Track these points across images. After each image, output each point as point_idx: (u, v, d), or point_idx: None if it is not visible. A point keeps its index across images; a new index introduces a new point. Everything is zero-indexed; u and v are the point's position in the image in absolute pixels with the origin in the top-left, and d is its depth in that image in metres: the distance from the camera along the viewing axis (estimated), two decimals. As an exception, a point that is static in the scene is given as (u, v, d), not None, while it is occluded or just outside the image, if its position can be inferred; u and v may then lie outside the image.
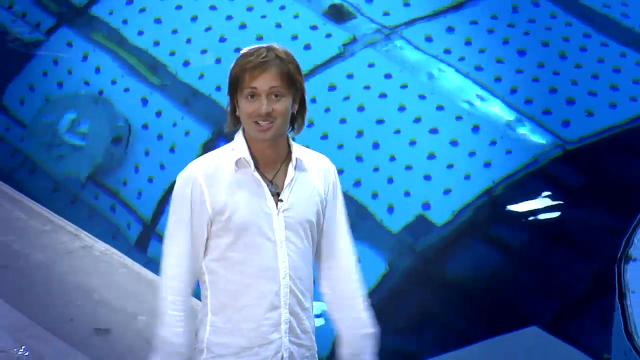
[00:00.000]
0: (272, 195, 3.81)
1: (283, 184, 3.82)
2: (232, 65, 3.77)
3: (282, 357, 3.84)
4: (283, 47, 3.79)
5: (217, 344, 3.86)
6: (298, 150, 3.85)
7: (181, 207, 3.80)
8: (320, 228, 3.90)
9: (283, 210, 3.81)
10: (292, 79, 3.74)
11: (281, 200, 3.81)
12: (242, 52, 3.77)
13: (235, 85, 3.75)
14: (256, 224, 3.78)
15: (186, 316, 3.81)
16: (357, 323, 3.95)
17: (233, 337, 3.85)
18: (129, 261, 7.06)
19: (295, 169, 3.83)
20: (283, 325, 3.84)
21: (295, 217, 3.81)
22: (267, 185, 3.81)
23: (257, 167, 3.78)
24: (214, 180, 3.77)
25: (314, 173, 3.88)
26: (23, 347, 5.97)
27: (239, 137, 3.81)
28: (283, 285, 3.83)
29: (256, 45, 3.77)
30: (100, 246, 7.12)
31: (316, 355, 3.94)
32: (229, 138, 3.91)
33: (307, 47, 9.11)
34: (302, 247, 3.84)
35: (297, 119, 3.82)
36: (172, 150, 9.05)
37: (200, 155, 4.09)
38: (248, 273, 3.80)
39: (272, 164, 3.82)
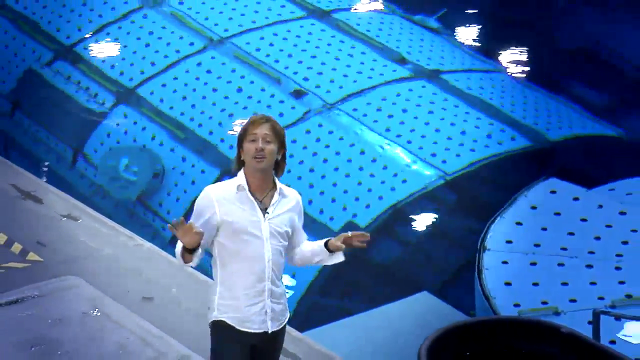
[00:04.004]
0: (261, 209, 4.09)
1: (269, 203, 4.11)
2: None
3: (265, 312, 4.12)
4: (274, 118, 4.19)
5: (223, 304, 4.14)
6: (280, 184, 4.19)
7: (200, 212, 4.09)
8: (291, 234, 4.19)
9: (269, 220, 4.09)
10: (278, 133, 4.09)
11: (267, 213, 4.09)
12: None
13: (242, 137, 4.08)
14: (248, 228, 4.07)
15: None
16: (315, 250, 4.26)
17: (232, 300, 4.11)
18: (164, 254, 7.16)
19: (279, 195, 4.15)
20: (267, 292, 4.10)
21: (276, 225, 4.12)
22: (257, 203, 4.09)
23: (250, 191, 4.10)
24: (223, 199, 4.07)
25: (290, 201, 4.17)
26: (96, 309, 6.03)
27: (240, 173, 4.14)
28: (267, 267, 4.08)
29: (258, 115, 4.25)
30: (147, 245, 7.33)
31: (287, 307, 4.27)
32: (232, 175, 4.18)
33: (280, 114, 9.84)
34: (279, 244, 4.13)
35: (280, 166, 4.14)
36: (193, 183, 9.58)
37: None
38: (242, 258, 4.06)
39: (261, 190, 4.11)
